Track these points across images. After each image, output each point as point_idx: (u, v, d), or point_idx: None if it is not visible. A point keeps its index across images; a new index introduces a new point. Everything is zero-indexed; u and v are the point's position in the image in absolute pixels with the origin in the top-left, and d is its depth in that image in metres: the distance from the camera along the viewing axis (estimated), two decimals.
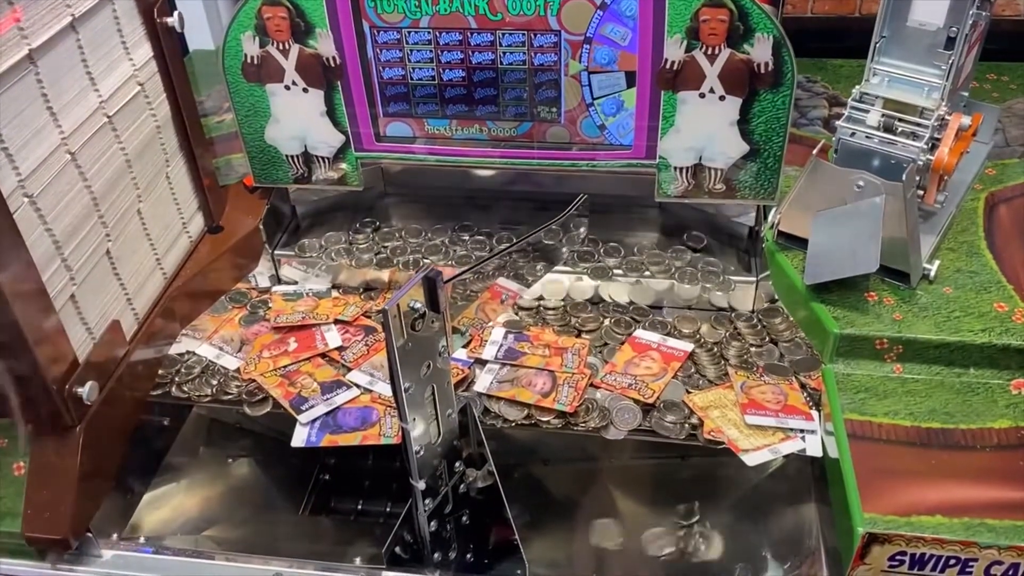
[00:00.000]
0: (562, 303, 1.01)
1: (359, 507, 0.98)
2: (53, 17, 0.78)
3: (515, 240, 1.04)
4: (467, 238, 1.09)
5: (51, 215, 0.77)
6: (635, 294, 1.01)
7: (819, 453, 0.82)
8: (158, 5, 0.93)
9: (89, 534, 0.82)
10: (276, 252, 1.07)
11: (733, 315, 0.98)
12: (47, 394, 0.77)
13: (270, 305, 1.03)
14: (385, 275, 1.05)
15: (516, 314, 1.00)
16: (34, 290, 0.75)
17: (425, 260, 1.06)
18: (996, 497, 0.73)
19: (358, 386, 0.91)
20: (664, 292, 1.01)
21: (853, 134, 0.92)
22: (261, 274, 1.08)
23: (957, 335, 0.85)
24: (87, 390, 0.80)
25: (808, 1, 1.34)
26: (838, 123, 0.93)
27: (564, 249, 1.05)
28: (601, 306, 1.01)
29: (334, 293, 1.05)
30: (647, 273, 1.01)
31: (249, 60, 0.97)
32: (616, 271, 1.02)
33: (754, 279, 0.99)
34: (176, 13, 0.94)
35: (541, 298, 1.02)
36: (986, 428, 0.79)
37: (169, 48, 0.95)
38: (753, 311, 0.99)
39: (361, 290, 1.06)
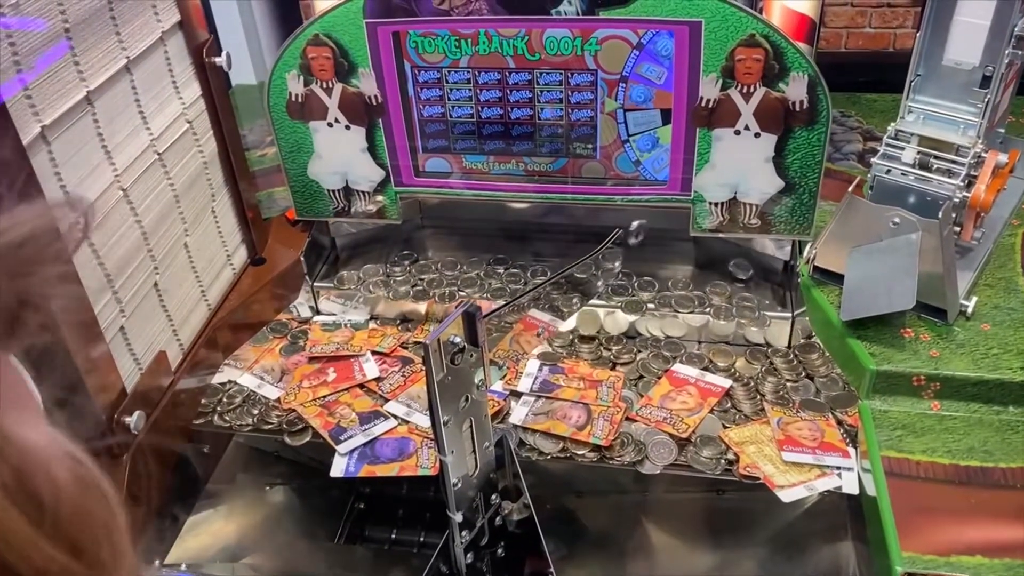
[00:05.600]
0: (596, 335, 1.02)
1: (393, 536, 0.99)
2: (110, 59, 0.81)
3: (550, 275, 1.05)
4: (502, 271, 1.10)
5: (104, 250, 0.80)
6: (670, 328, 1.02)
7: (856, 490, 0.82)
8: (207, 45, 0.96)
9: None
10: (316, 284, 1.09)
11: (769, 351, 0.98)
12: (96, 423, 0.80)
13: (309, 335, 1.05)
14: (422, 307, 1.06)
15: (550, 346, 1.01)
16: (86, 322, 0.77)
17: (461, 293, 1.07)
18: None
19: (395, 417, 0.93)
20: (699, 328, 1.01)
21: (889, 171, 0.92)
22: (302, 304, 1.10)
23: (995, 372, 0.84)
24: (135, 419, 0.82)
25: (842, 36, 1.34)
26: (874, 160, 0.93)
27: (599, 283, 1.06)
28: (637, 340, 1.01)
29: (372, 324, 1.07)
30: (682, 310, 1.01)
31: (293, 98, 0.99)
32: (650, 305, 1.03)
33: (789, 315, 0.99)
34: (224, 53, 0.98)
35: (575, 331, 1.03)
36: None
37: (217, 86, 0.98)
38: (789, 346, 0.99)
39: (398, 321, 1.07)
